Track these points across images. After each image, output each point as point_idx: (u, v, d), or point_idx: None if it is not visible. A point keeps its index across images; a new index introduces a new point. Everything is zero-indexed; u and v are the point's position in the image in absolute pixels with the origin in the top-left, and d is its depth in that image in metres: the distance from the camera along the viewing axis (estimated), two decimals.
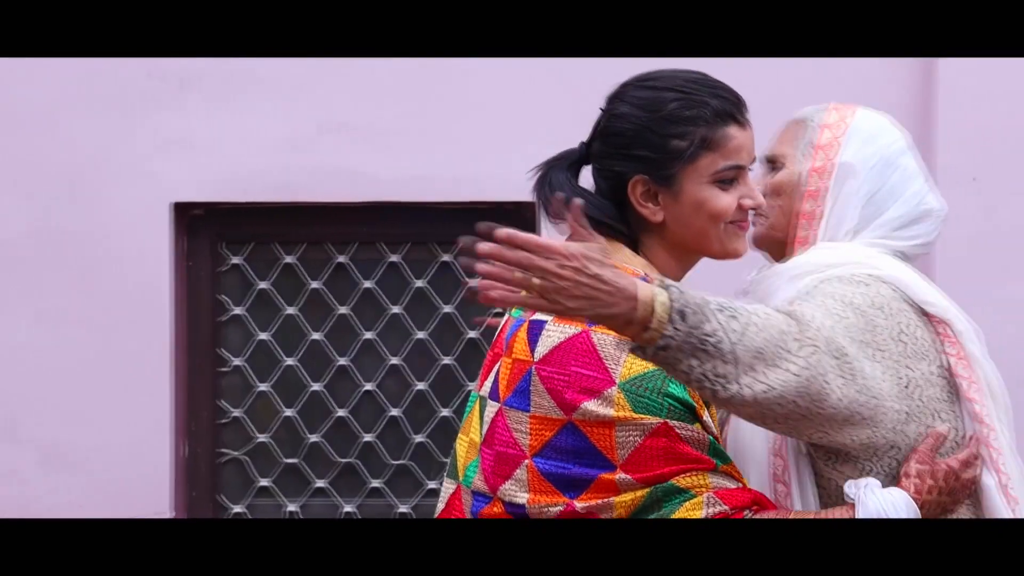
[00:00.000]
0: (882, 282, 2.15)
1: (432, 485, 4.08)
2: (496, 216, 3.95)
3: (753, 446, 2.17)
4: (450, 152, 3.91)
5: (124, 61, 3.84)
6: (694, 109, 2.16)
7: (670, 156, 2.16)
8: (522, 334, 2.16)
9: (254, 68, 3.89)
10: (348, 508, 4.08)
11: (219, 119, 3.93)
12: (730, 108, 2.16)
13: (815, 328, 1.99)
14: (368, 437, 4.09)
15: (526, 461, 2.12)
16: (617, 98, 2.22)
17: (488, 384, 2.20)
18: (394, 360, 4.07)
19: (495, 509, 2.14)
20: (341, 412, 4.09)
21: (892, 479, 2.09)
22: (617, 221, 2.19)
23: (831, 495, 2.11)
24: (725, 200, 2.16)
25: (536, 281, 1.88)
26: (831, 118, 2.28)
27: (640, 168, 2.17)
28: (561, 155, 2.26)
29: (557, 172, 2.24)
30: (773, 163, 2.29)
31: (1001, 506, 2.14)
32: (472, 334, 4.03)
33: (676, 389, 2.10)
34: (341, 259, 4.07)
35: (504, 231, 1.89)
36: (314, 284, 4.08)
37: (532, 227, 3.91)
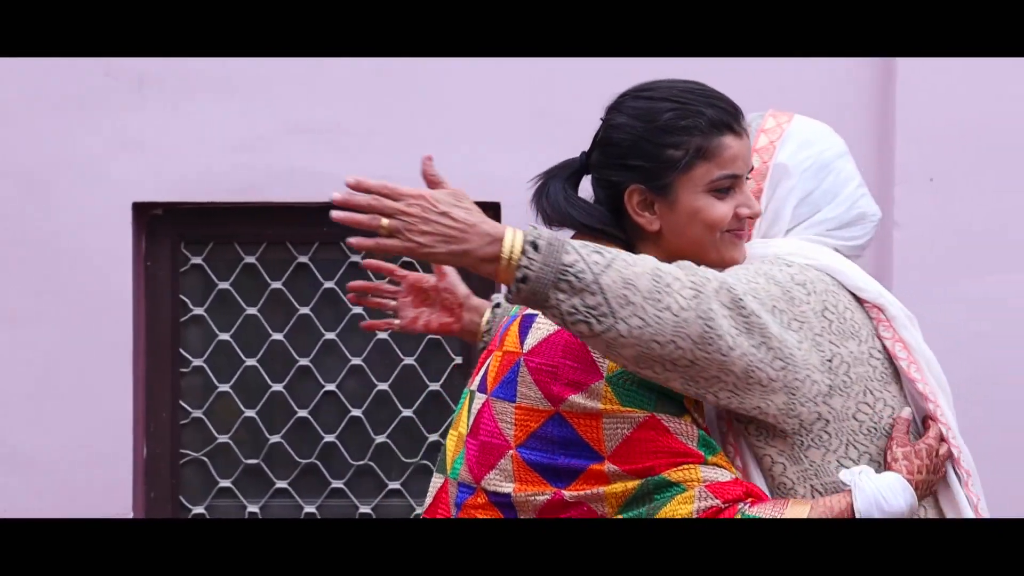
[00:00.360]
0: (812, 268, 2.18)
1: (393, 485, 4.07)
2: None
3: None
4: (410, 151, 3.79)
5: (82, 61, 3.82)
6: (689, 119, 2.18)
7: (665, 166, 2.18)
8: (514, 328, 2.19)
9: (214, 68, 3.87)
10: (309, 509, 4.07)
11: (179, 119, 3.92)
12: (726, 118, 2.18)
13: (702, 275, 2.02)
14: (329, 437, 4.08)
15: (510, 451, 2.14)
16: (614, 109, 2.24)
17: (478, 378, 2.24)
18: (355, 360, 4.07)
19: (479, 499, 2.16)
20: (302, 412, 4.08)
21: (827, 452, 2.11)
22: (615, 230, 2.21)
23: (765, 473, 2.13)
24: (721, 209, 2.18)
25: (384, 222, 1.99)
26: (769, 124, 2.31)
27: (636, 178, 2.19)
28: (561, 165, 2.28)
29: (555, 182, 2.25)
30: None
31: (953, 480, 2.19)
32: (433, 335, 4.02)
33: None
34: (302, 259, 4.06)
35: (352, 177, 2.02)
36: (275, 284, 4.07)
37: None
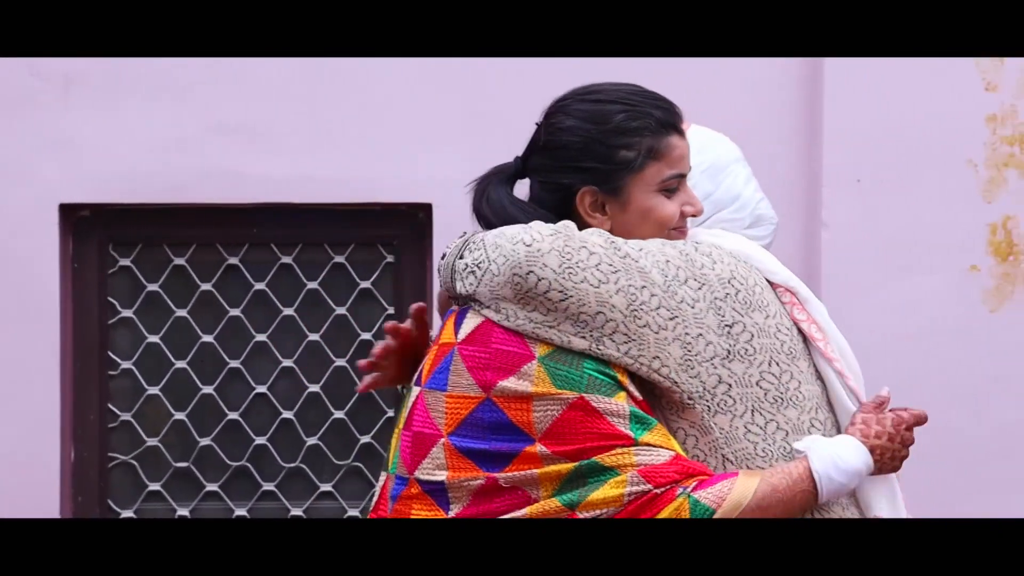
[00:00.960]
0: (724, 249, 2.22)
1: (325, 488, 4.06)
2: (389, 217, 3.96)
3: None
4: (342, 153, 3.89)
5: (6, 61, 3.77)
6: (639, 120, 2.22)
7: (618, 167, 2.22)
8: (450, 321, 2.21)
9: (141, 68, 3.84)
10: (240, 511, 4.05)
11: (106, 119, 3.88)
12: (671, 118, 2.24)
13: (572, 226, 2.14)
14: (260, 440, 4.06)
15: (442, 439, 2.14)
16: (560, 112, 2.25)
17: (417, 374, 2.24)
18: (287, 362, 4.05)
19: (412, 490, 2.16)
20: (232, 415, 4.05)
21: (733, 417, 2.14)
22: None
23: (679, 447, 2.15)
24: (671, 207, 2.23)
25: None
26: None
27: (588, 179, 2.22)
28: (496, 170, 2.29)
29: (495, 187, 2.26)
30: None
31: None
32: (365, 335, 4.02)
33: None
34: (232, 260, 4.04)
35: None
36: (205, 286, 4.04)
37: (425, 228, 3.91)
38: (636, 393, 2.13)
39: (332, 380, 4.05)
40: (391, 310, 4.00)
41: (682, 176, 2.24)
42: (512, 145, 2.34)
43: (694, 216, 2.25)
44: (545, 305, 2.09)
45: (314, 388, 4.05)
